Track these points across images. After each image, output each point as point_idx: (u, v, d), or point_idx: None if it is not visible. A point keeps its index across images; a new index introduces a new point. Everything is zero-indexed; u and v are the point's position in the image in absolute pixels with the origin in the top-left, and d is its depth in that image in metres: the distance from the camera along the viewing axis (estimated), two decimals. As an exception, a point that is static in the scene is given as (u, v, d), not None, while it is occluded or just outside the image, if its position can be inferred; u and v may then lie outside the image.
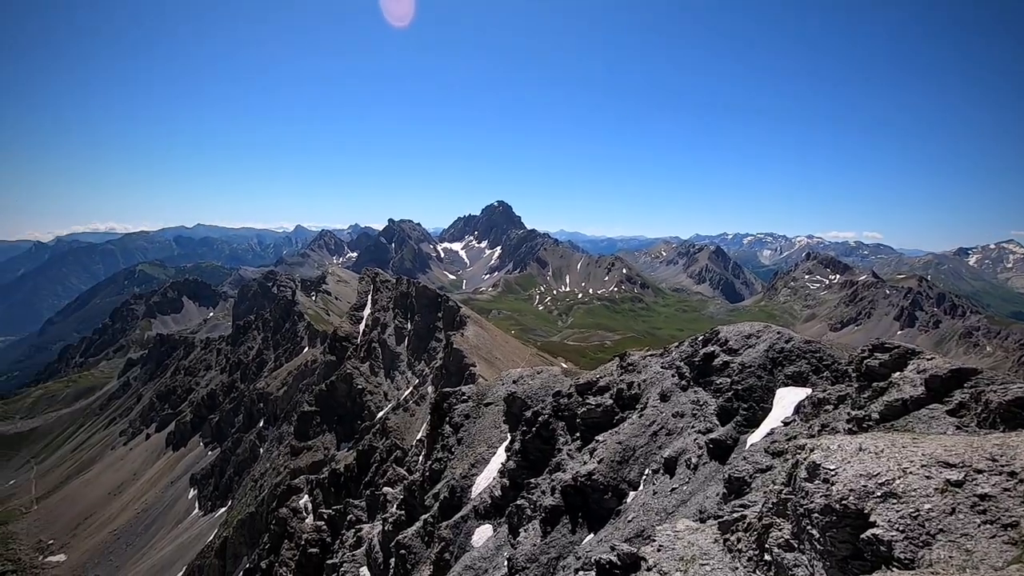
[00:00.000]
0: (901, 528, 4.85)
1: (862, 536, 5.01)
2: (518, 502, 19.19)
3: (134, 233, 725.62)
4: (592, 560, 7.68)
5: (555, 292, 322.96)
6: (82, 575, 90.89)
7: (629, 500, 15.23)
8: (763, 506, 6.59)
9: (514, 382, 29.00)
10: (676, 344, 20.58)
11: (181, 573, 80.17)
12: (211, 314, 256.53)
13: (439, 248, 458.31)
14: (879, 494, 5.09)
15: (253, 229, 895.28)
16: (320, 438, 79.53)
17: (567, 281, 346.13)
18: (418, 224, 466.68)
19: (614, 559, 7.18)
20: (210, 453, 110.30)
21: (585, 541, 15.14)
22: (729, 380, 15.29)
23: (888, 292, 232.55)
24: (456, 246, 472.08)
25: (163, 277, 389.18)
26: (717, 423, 14.82)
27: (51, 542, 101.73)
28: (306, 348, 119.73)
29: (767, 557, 5.95)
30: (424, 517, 25.05)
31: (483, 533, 21.31)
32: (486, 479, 24.91)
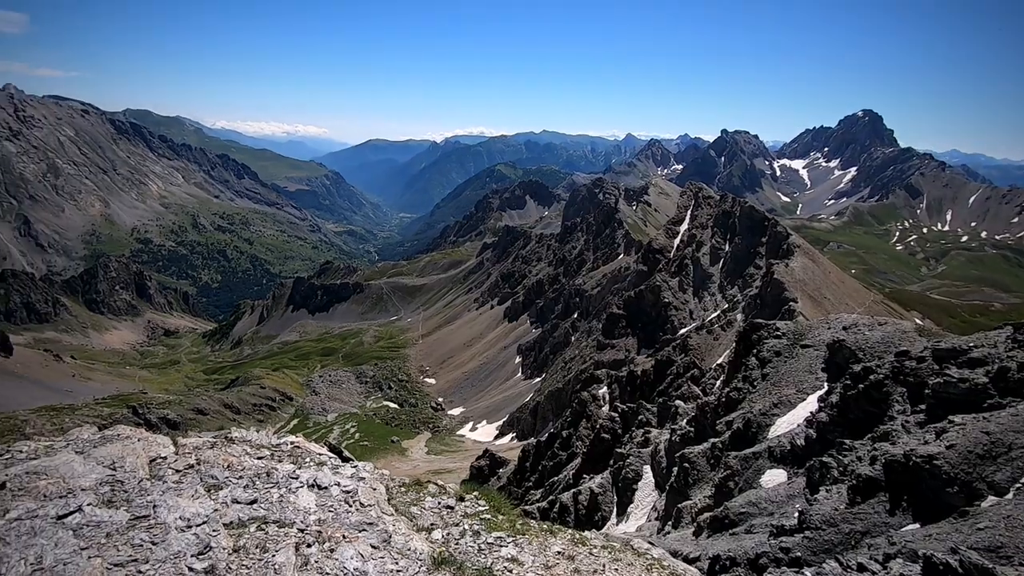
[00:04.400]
0: None
1: None
2: (824, 459, 17.26)
3: (496, 137, 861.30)
4: (920, 554, 6.45)
5: (925, 230, 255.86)
6: (445, 397, 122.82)
7: (985, 505, 12.07)
8: None
9: (844, 328, 25.20)
10: None
11: (505, 419, 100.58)
12: (546, 213, 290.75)
13: (775, 165, 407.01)
14: None
15: (588, 136, 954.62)
16: (623, 340, 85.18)
17: (947, 217, 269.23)
18: (754, 136, 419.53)
19: (954, 564, 5.85)
20: (534, 331, 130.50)
21: (906, 529, 12.82)
22: None
23: None
24: (797, 164, 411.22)
25: (513, 177, 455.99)
26: None
27: (427, 368, 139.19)
28: (621, 255, 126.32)
29: None
30: (713, 440, 24.94)
31: (774, 476, 20.12)
32: (787, 423, 23.06)
